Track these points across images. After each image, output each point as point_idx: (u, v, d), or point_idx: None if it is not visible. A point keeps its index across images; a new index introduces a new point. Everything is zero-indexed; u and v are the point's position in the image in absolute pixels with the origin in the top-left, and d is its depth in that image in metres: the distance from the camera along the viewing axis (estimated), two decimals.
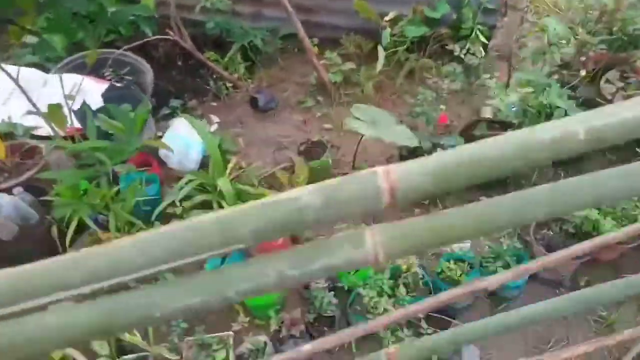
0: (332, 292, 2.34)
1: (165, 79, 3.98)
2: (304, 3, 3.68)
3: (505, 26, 3.64)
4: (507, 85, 2.90)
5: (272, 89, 3.88)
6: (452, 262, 2.47)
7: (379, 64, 3.59)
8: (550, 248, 2.47)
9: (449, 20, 3.55)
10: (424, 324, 2.21)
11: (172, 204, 2.82)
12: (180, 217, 2.81)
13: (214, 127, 3.66)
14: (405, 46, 3.62)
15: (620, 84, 2.66)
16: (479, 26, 3.50)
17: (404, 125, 2.58)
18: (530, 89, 2.32)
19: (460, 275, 2.43)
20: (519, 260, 2.41)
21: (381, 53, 3.58)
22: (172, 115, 3.73)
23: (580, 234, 2.42)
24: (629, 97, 2.62)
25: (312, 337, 2.31)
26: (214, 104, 3.84)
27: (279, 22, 4.18)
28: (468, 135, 2.87)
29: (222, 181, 2.89)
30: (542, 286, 2.50)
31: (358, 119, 2.53)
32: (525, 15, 3.72)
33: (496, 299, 2.50)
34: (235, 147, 3.43)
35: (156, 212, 2.76)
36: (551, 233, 2.47)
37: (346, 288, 2.39)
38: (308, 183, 2.90)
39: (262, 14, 4.16)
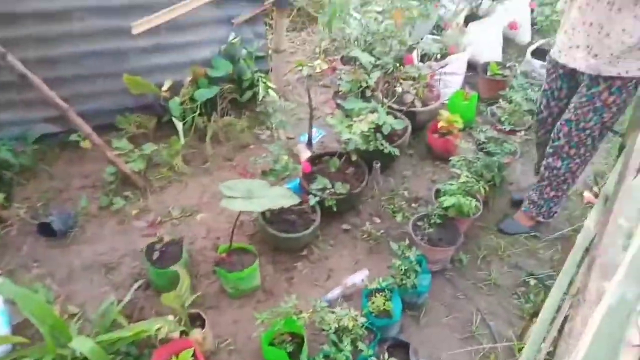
0: None
1: None
2: (58, 93, 2.99)
3: (275, 68, 3.83)
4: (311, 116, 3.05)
5: (56, 205, 3.04)
6: (375, 295, 2.48)
7: (181, 137, 3.27)
8: (430, 242, 2.75)
9: (229, 75, 3.51)
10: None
11: None
12: None
13: None
14: (197, 112, 3.39)
15: (414, 91, 3.18)
16: (258, 74, 3.58)
17: (278, 187, 2.41)
18: (375, 117, 2.53)
19: (385, 303, 2.46)
20: (420, 263, 2.59)
21: (179, 125, 3.27)
22: None
23: (447, 221, 2.78)
24: (420, 99, 3.16)
25: None
26: None
27: (23, 125, 3.33)
28: (312, 175, 2.91)
29: (78, 342, 2.12)
30: (435, 278, 2.75)
31: (232, 197, 2.24)
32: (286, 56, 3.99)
33: (414, 307, 2.62)
34: (49, 294, 2.56)
35: None
36: (426, 229, 2.74)
37: None
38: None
39: None
